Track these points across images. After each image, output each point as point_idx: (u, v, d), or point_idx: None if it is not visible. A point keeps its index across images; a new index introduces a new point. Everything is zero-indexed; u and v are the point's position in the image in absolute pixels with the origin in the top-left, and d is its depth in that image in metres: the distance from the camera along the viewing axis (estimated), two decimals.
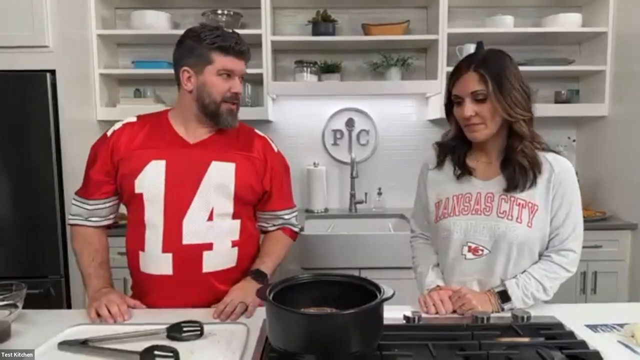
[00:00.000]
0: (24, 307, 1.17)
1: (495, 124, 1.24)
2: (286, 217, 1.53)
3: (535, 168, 1.25)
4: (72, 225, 1.43)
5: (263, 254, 1.46)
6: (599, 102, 2.66)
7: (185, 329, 1.08)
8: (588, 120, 2.80)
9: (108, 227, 1.46)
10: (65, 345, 1.04)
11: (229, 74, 1.33)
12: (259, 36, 2.54)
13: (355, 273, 2.39)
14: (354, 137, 2.96)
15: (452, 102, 1.30)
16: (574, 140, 2.94)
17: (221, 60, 1.31)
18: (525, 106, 1.23)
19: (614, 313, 1.21)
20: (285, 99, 2.90)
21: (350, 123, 2.96)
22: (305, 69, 2.70)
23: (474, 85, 1.22)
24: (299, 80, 2.70)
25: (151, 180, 1.33)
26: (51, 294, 2.18)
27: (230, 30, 1.35)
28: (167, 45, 2.73)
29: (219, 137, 1.41)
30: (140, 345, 1.00)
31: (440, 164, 1.39)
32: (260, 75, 2.58)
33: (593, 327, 1.14)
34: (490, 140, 1.28)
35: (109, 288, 1.33)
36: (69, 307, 2.20)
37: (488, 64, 1.22)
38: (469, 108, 1.23)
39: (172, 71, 2.90)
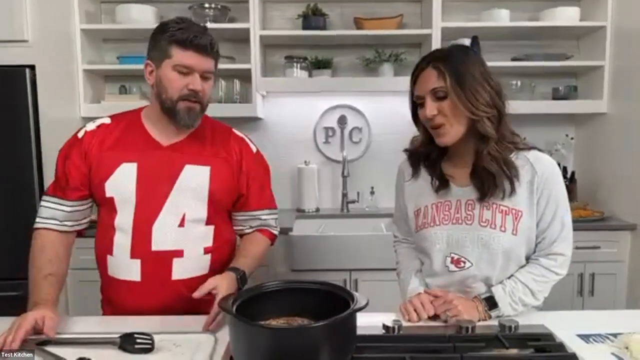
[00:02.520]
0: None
1: (460, 122, 1.16)
2: (263, 217, 1.44)
3: (509, 171, 1.16)
4: (38, 229, 1.31)
5: (239, 255, 1.36)
6: (597, 99, 2.59)
7: (138, 340, 1.02)
8: (587, 117, 2.73)
9: (79, 233, 1.37)
10: None
11: (186, 70, 1.24)
12: (248, 30, 2.48)
13: (347, 274, 2.35)
14: (346, 135, 2.89)
15: (416, 105, 1.22)
16: (572, 138, 2.86)
17: (178, 55, 1.23)
18: (491, 103, 1.15)
19: (608, 321, 1.14)
20: (275, 95, 2.83)
21: (342, 120, 2.89)
22: (295, 64, 2.62)
23: (433, 82, 1.15)
24: (289, 76, 2.63)
25: (122, 184, 1.27)
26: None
27: (202, 25, 1.27)
28: None
29: (193, 139, 1.33)
30: (88, 353, 0.98)
31: (415, 173, 1.32)
32: (249, 71, 2.52)
33: (585, 337, 1.07)
34: (461, 142, 1.19)
35: (39, 305, 1.16)
36: None
37: (447, 58, 1.15)
38: (431, 107, 1.15)
39: None
